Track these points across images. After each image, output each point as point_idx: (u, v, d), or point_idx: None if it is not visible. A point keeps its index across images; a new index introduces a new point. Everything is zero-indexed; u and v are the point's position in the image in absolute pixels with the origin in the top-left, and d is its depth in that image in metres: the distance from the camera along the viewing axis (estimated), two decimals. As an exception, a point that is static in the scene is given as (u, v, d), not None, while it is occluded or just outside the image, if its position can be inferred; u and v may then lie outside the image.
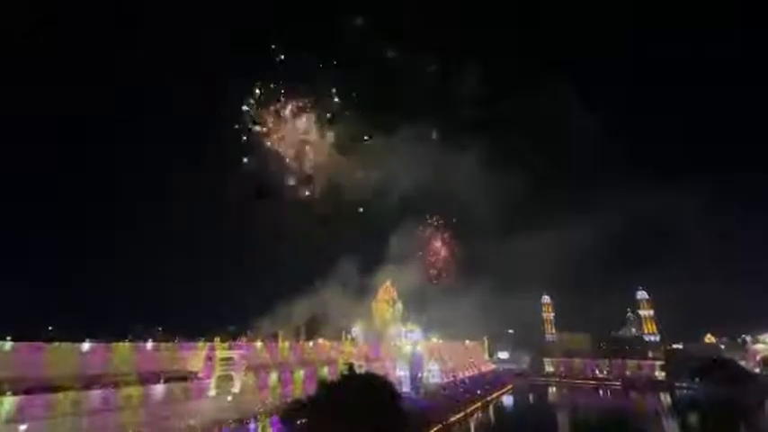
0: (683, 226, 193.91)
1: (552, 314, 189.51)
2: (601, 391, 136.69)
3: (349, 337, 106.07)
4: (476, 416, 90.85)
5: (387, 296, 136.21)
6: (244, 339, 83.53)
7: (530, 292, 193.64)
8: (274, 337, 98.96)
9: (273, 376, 72.18)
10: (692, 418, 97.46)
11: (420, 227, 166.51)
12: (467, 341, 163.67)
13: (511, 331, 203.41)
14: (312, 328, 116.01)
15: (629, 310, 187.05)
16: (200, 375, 62.86)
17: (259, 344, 77.82)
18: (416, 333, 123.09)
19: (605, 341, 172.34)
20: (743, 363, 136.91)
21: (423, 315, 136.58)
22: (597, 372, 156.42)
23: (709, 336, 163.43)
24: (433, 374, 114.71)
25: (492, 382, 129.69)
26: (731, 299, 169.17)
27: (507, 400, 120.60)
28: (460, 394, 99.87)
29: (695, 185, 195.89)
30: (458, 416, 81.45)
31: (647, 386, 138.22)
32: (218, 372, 63.92)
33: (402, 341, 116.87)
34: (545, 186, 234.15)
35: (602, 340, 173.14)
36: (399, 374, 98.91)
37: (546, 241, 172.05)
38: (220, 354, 65.48)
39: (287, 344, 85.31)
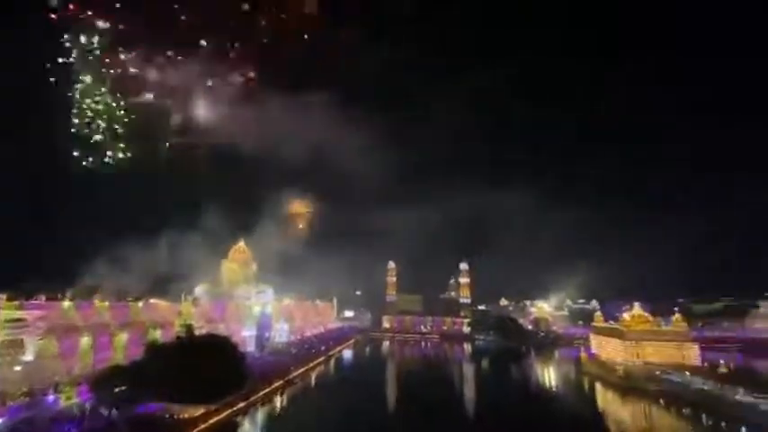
0: (499, 218, 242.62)
1: (395, 278, 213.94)
2: (423, 343, 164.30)
3: (189, 298, 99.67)
4: (317, 369, 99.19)
5: (238, 257, 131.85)
6: (43, 297, 68.26)
7: (378, 258, 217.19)
8: (91, 294, 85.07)
9: (85, 340, 63.01)
10: (483, 361, 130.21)
11: (290, 192, 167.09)
12: (317, 301, 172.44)
13: (358, 292, 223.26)
14: (157, 288, 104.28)
15: (452, 277, 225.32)
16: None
17: (66, 303, 66.13)
18: (268, 294, 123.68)
19: (433, 302, 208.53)
20: (522, 321, 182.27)
21: (279, 277, 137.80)
22: (423, 327, 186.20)
23: (503, 299, 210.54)
24: (280, 334, 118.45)
25: (337, 338, 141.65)
26: (521, 272, 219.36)
27: (347, 353, 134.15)
28: (305, 351, 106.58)
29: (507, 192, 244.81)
30: (300, 371, 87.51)
31: (456, 338, 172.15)
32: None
33: (251, 302, 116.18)
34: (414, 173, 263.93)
35: (431, 301, 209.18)
36: (245, 335, 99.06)
37: (399, 219, 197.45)
38: (6, 314, 54.05)
39: (106, 303, 74.51)
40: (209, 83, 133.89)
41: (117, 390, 45.59)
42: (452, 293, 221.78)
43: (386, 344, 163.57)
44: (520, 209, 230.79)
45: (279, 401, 67.92)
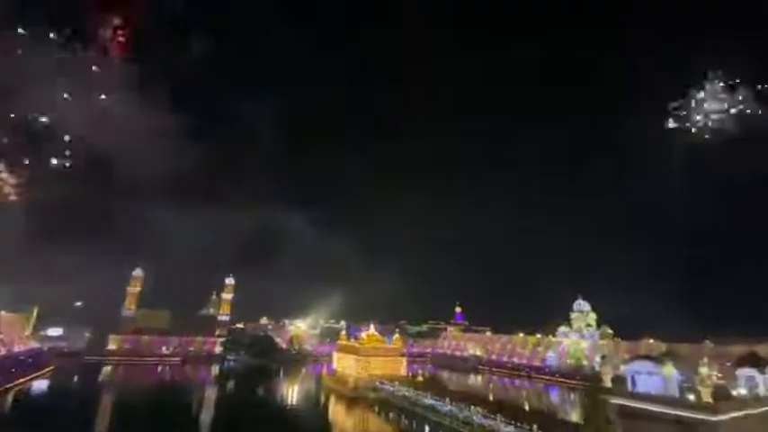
0: (273, 237, 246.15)
1: (138, 289, 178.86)
2: (159, 368, 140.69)
3: None
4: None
5: None
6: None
7: (123, 263, 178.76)
8: None
9: None
10: (229, 383, 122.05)
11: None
12: (2, 313, 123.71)
13: (79, 303, 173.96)
14: None
15: (215, 292, 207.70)
16: None
17: None
18: None
19: (186, 320, 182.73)
20: (279, 340, 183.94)
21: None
22: (164, 349, 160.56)
23: (264, 318, 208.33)
24: None
25: (22, 363, 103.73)
26: (286, 292, 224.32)
27: (40, 385, 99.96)
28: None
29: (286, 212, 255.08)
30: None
31: (203, 360, 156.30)
32: None
33: None
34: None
35: (183, 319, 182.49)
36: None
37: (161, 219, 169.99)
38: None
39: None
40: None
41: None
42: (212, 310, 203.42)
43: (106, 369, 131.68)
44: (296, 230, 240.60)
45: None
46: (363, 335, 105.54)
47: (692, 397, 38.80)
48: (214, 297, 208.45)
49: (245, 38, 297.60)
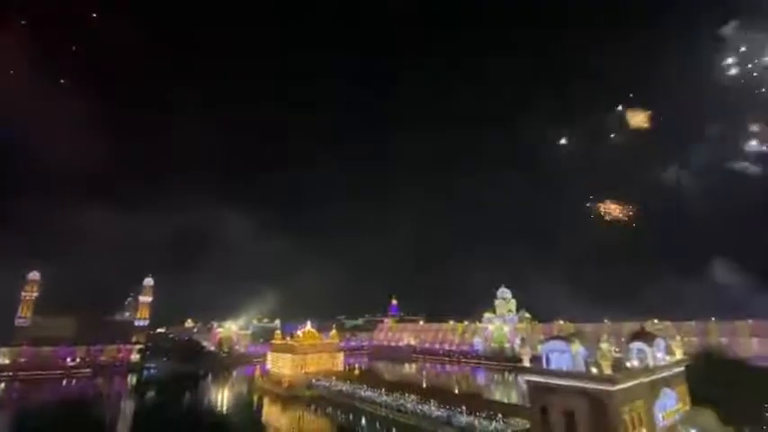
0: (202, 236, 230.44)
1: (35, 294, 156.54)
2: (64, 381, 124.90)
3: None
4: None
5: None
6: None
7: (14, 265, 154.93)
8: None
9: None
10: (149, 392, 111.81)
11: None
12: None
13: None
14: None
15: (131, 295, 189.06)
16: None
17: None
18: None
19: (95, 327, 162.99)
20: (206, 343, 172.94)
21: None
22: (69, 360, 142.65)
23: (189, 321, 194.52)
24: None
25: None
26: (214, 293, 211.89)
27: None
28: None
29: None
30: None
31: (117, 370, 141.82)
32: None
33: None
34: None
35: (91, 326, 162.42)
36: None
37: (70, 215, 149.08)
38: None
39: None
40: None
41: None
42: (128, 315, 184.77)
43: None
44: (224, 229, 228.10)
45: None
46: (299, 332, 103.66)
47: (594, 370, 44.21)
48: (130, 300, 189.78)
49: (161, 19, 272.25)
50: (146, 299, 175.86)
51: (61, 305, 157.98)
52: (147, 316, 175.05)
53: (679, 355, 53.42)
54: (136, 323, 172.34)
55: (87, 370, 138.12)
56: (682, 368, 51.12)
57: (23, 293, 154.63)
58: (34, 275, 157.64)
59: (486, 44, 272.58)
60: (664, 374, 48.32)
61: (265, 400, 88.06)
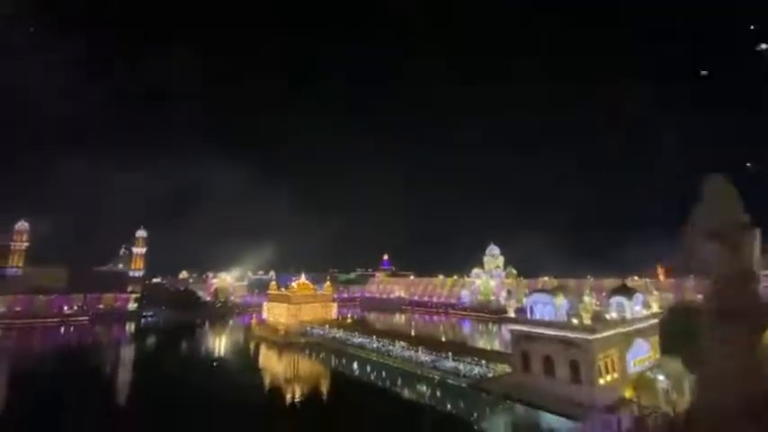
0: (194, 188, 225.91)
1: (25, 244, 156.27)
2: (62, 329, 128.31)
3: None
4: None
5: None
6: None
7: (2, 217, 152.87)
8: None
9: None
10: (149, 339, 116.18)
11: None
12: None
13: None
14: None
15: (124, 246, 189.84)
16: None
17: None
18: None
19: (88, 277, 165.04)
20: (202, 293, 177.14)
21: None
22: (66, 308, 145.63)
23: (184, 272, 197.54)
24: None
25: None
26: (207, 245, 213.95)
27: None
28: None
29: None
30: None
31: (116, 318, 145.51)
32: None
33: None
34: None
35: (84, 276, 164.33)
36: None
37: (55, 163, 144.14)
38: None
39: None
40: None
41: None
42: (121, 266, 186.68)
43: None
44: (220, 180, 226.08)
45: None
46: (294, 284, 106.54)
47: (575, 321, 47.08)
48: (123, 252, 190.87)
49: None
50: (140, 250, 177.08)
51: (53, 257, 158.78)
52: (142, 267, 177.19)
53: (655, 308, 56.77)
54: (131, 274, 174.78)
55: (84, 318, 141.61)
56: (655, 321, 54.57)
57: (12, 243, 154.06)
58: (22, 225, 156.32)
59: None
60: (638, 326, 51.66)
61: (262, 347, 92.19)
